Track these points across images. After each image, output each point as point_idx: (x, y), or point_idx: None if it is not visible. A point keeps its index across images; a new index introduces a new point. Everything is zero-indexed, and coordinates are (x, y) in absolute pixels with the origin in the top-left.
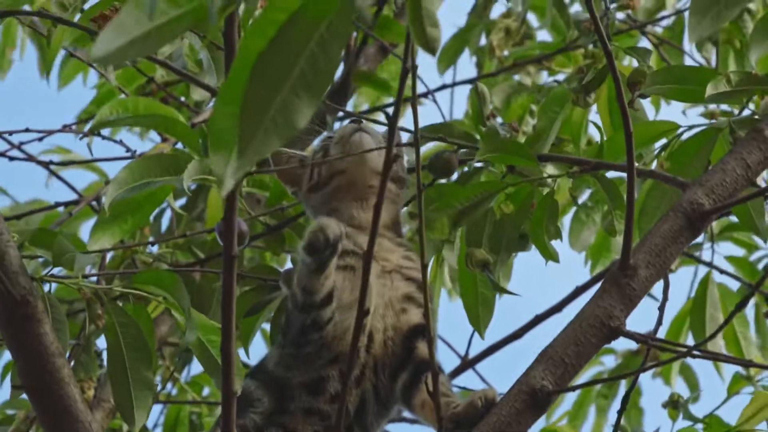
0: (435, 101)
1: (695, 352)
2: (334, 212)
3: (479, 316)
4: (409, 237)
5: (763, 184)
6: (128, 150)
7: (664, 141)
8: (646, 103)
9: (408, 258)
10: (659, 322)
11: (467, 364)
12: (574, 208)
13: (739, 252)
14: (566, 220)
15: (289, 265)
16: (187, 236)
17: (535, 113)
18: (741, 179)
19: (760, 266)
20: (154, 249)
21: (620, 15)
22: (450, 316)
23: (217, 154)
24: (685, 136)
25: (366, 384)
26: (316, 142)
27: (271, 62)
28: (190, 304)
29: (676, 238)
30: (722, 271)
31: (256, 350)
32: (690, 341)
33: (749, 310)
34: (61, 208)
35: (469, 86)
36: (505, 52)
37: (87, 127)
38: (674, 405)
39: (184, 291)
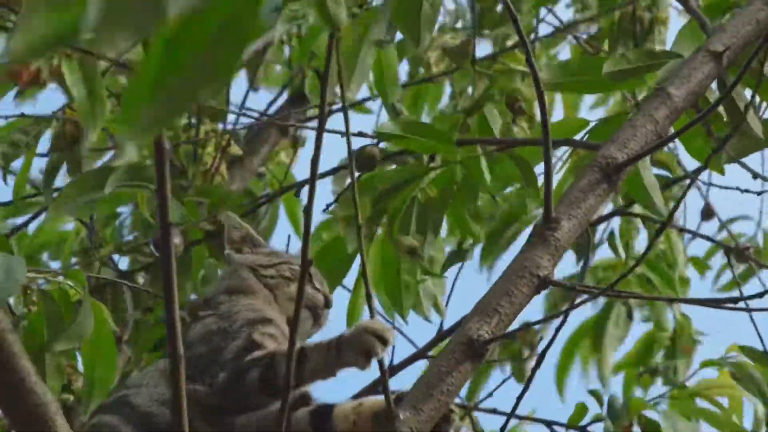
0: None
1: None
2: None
3: (401, 301)
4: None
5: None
6: None
7: None
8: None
9: None
10: (584, 270)
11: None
12: None
13: None
14: None
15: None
16: (123, 251)
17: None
18: (650, 133)
19: None
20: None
21: None
22: None
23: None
24: None
25: None
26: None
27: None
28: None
29: (594, 190)
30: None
31: None
32: None
33: None
34: None
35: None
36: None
37: None
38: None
39: None
